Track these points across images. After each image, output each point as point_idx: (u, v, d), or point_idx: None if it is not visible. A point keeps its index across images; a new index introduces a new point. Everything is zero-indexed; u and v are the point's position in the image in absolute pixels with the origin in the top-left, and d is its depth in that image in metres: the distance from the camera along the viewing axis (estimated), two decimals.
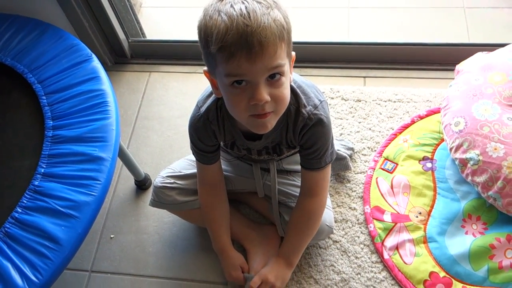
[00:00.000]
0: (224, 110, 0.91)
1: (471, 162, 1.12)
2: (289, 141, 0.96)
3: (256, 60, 0.72)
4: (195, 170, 1.09)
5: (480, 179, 1.10)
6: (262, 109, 0.78)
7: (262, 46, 0.72)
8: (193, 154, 1.04)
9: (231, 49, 0.72)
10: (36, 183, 0.97)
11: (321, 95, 0.94)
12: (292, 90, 0.90)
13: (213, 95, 0.92)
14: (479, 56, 1.29)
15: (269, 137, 0.95)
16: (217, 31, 0.72)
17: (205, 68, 0.84)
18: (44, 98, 1.10)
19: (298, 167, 1.12)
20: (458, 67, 1.31)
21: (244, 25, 0.71)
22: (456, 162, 1.16)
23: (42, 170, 0.99)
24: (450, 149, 1.18)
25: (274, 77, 0.77)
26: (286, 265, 1.05)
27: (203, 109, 0.94)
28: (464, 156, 1.13)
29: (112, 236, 1.27)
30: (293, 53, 0.83)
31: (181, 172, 1.12)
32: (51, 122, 1.06)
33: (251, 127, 0.85)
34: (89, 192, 0.95)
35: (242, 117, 0.82)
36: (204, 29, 0.75)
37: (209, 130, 0.95)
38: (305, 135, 0.92)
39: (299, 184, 1.11)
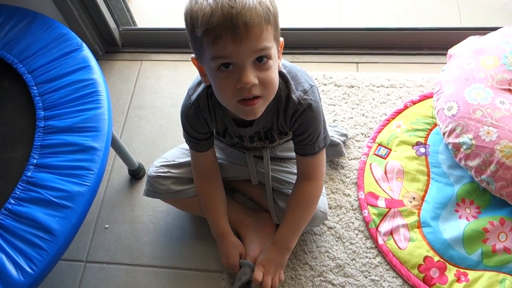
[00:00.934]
0: (214, 97, 0.91)
1: (464, 147, 1.12)
2: (280, 127, 0.96)
3: (241, 42, 0.73)
4: (188, 159, 1.09)
5: (473, 163, 1.11)
6: (249, 91, 0.78)
7: (248, 27, 0.72)
8: (187, 142, 1.04)
9: (217, 31, 0.72)
10: (29, 174, 0.96)
11: (312, 80, 0.94)
12: (282, 76, 0.90)
13: (203, 83, 0.91)
14: (471, 40, 1.29)
15: (259, 123, 0.95)
16: (202, 14, 0.73)
17: (193, 55, 0.84)
18: (35, 88, 1.09)
19: (292, 154, 1.13)
20: (450, 51, 1.31)
21: (229, 6, 0.71)
22: (449, 147, 1.17)
23: (35, 161, 0.98)
24: (443, 134, 1.18)
25: (261, 60, 0.77)
26: (283, 249, 1.05)
27: (194, 97, 0.94)
28: (457, 140, 1.14)
29: (106, 226, 1.27)
30: (281, 39, 0.83)
31: (174, 161, 1.11)
32: (43, 113, 1.05)
33: (239, 114, 0.85)
34: (83, 182, 0.94)
35: (230, 102, 0.82)
36: (190, 14, 0.76)
37: (201, 117, 0.95)
38: (297, 121, 0.92)
39: (293, 170, 1.12)
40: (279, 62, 0.84)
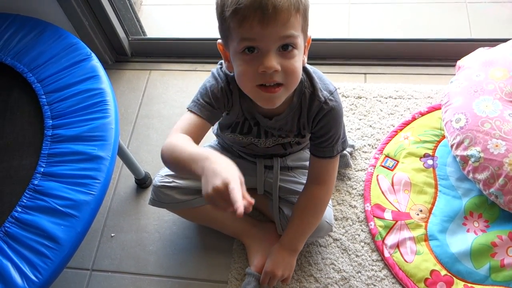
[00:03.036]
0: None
1: (472, 159, 1.11)
2: (301, 127, 0.96)
3: (268, 24, 0.73)
4: None
5: (481, 176, 1.10)
6: (271, 77, 0.78)
7: (276, 10, 0.73)
8: (191, 105, 0.92)
9: (245, 12, 0.73)
10: (36, 182, 0.97)
11: (334, 84, 0.94)
12: (308, 74, 0.90)
13: (226, 69, 0.90)
14: (480, 52, 1.28)
15: (280, 120, 0.94)
16: None
17: (220, 40, 0.84)
18: (44, 97, 1.10)
19: (302, 163, 1.12)
20: (459, 63, 1.30)
21: None
22: (457, 159, 1.16)
23: (42, 169, 0.99)
24: (451, 146, 1.17)
25: (286, 48, 0.77)
26: (290, 252, 1.05)
27: (223, 70, 0.91)
28: (465, 153, 1.13)
29: (112, 234, 1.28)
30: (310, 35, 0.83)
31: None
32: (51, 121, 1.06)
33: (257, 100, 0.84)
34: (89, 191, 0.95)
35: (248, 86, 0.81)
36: None
37: (226, 92, 0.91)
38: (320, 121, 0.92)
39: (300, 180, 1.11)
40: (305, 58, 0.84)
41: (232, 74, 0.89)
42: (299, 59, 0.80)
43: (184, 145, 0.82)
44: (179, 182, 1.10)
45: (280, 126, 0.96)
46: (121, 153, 1.21)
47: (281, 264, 1.04)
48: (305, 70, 0.90)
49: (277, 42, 0.76)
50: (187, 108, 0.93)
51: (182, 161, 0.79)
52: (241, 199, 0.67)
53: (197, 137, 0.89)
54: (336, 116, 0.92)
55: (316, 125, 0.93)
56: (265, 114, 0.95)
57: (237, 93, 0.93)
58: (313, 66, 0.95)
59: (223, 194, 0.67)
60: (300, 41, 0.79)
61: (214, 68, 0.95)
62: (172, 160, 0.83)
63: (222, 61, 0.93)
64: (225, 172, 0.70)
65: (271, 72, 0.77)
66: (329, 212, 1.08)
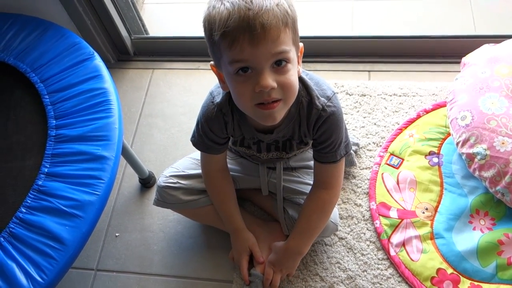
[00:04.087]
0: (232, 103, 0.90)
1: (478, 157, 1.10)
2: (302, 135, 0.95)
3: (259, 44, 0.72)
4: (199, 171, 1.08)
5: (487, 174, 1.09)
6: (269, 95, 0.77)
7: (265, 29, 0.72)
8: (199, 146, 1.01)
9: (234, 34, 0.72)
10: (40, 182, 0.97)
11: (332, 88, 0.93)
12: (304, 82, 0.89)
13: (222, 89, 0.90)
14: (486, 48, 1.27)
15: (280, 131, 0.94)
16: (219, 17, 0.73)
17: (212, 62, 0.83)
18: (47, 97, 1.10)
19: (305, 163, 1.12)
20: (464, 59, 1.29)
21: (246, 8, 0.71)
22: (463, 157, 1.15)
23: (46, 170, 0.99)
24: (457, 144, 1.16)
25: (280, 64, 0.76)
26: (295, 255, 1.05)
27: (217, 99, 0.92)
28: (471, 150, 1.12)
29: (117, 234, 1.27)
30: (301, 44, 0.83)
31: (184, 172, 1.11)
32: (54, 121, 1.06)
33: (258, 119, 0.84)
34: (93, 192, 0.95)
35: (247, 106, 0.81)
36: (208, 19, 0.76)
37: (222, 121, 0.94)
38: (320, 128, 0.91)
39: (305, 180, 1.11)
40: (299, 68, 0.84)
41: (221, 100, 0.91)
42: (294, 72, 0.80)
43: (222, 201, 1.10)
44: (184, 183, 1.09)
45: (284, 135, 0.96)
46: (125, 153, 1.20)
47: (284, 264, 1.05)
48: (300, 79, 0.88)
49: (269, 59, 0.75)
50: (201, 151, 1.03)
51: (219, 212, 1.11)
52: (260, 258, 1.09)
53: (223, 162, 1.08)
54: (336, 121, 0.91)
55: (317, 132, 0.93)
56: (265, 130, 0.94)
57: (232, 122, 0.94)
58: (310, 72, 0.95)
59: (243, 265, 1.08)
60: (292, 55, 0.78)
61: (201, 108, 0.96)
62: (214, 203, 1.11)
63: (212, 90, 0.94)
64: (236, 253, 1.10)
65: (269, 90, 0.76)
66: (334, 212, 1.07)
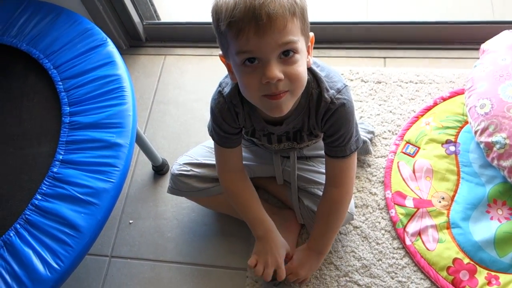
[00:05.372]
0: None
1: (497, 146, 1.08)
2: (311, 127, 0.94)
3: (264, 34, 0.71)
4: (213, 160, 1.07)
5: (506, 163, 1.07)
6: (276, 87, 0.76)
7: (270, 19, 0.70)
8: (215, 138, 0.99)
9: (239, 24, 0.71)
10: (55, 170, 0.97)
11: (344, 80, 0.91)
12: (314, 74, 0.88)
13: (231, 80, 0.89)
14: (506, 35, 1.24)
15: (290, 123, 0.92)
16: (226, 7, 0.72)
17: (221, 52, 0.82)
18: (61, 83, 1.09)
19: (319, 152, 1.10)
20: (483, 46, 1.27)
21: None
22: (481, 146, 1.13)
23: (61, 157, 0.98)
24: (475, 132, 1.14)
25: (287, 54, 0.75)
26: (317, 255, 1.05)
27: (226, 90, 0.91)
28: (490, 139, 1.10)
29: (131, 221, 1.28)
30: (312, 34, 0.81)
31: (198, 160, 1.10)
32: (68, 108, 1.05)
33: (265, 110, 0.83)
34: (108, 179, 0.94)
35: (255, 97, 0.80)
36: (215, 9, 0.75)
37: (233, 112, 0.93)
38: (328, 121, 0.90)
39: (319, 170, 1.10)
40: (309, 58, 0.82)
41: (230, 91, 0.90)
42: (302, 63, 0.78)
43: (248, 204, 1.04)
44: (197, 171, 1.09)
45: (294, 126, 0.95)
46: (139, 140, 1.20)
47: (307, 265, 1.04)
48: (310, 70, 0.87)
49: (276, 50, 0.73)
50: (215, 143, 1.00)
51: (244, 216, 1.05)
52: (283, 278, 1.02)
53: (240, 158, 1.04)
54: (345, 114, 0.89)
55: (325, 124, 0.91)
56: (275, 122, 0.93)
57: (243, 113, 0.92)
58: (322, 62, 0.92)
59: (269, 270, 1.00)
60: (300, 45, 0.76)
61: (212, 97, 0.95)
62: (237, 209, 1.06)
63: (221, 81, 0.93)
64: (272, 260, 1.01)
65: (275, 81, 0.75)
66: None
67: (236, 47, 0.74)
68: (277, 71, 0.74)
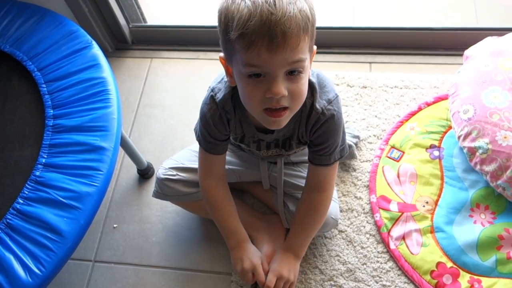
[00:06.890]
0: (235, 99, 0.88)
1: (480, 151, 1.09)
2: (300, 136, 0.94)
3: (277, 51, 0.69)
4: None
5: (489, 168, 1.08)
6: (277, 102, 0.76)
7: (286, 37, 0.69)
8: (202, 143, 0.98)
9: (252, 37, 0.69)
10: (37, 173, 0.95)
11: (336, 90, 0.91)
12: (310, 84, 0.87)
13: (229, 84, 0.88)
14: (489, 41, 1.26)
15: (281, 131, 0.92)
16: (239, 16, 0.69)
17: (221, 54, 0.81)
18: (44, 86, 1.08)
19: (306, 158, 1.10)
20: (466, 52, 1.28)
21: (269, 12, 0.68)
22: (465, 151, 1.14)
23: (43, 160, 0.97)
24: (458, 137, 1.16)
25: (293, 72, 0.74)
26: (293, 256, 1.04)
27: (219, 96, 0.90)
28: (472, 144, 1.11)
29: (115, 225, 1.26)
30: (315, 47, 0.80)
31: (184, 164, 1.09)
32: (52, 111, 1.04)
33: (263, 122, 0.83)
34: (91, 183, 0.93)
35: (256, 110, 0.79)
36: (225, 13, 0.72)
37: (224, 119, 0.92)
38: (317, 131, 0.90)
39: (305, 175, 1.10)
40: (309, 71, 0.82)
41: (223, 97, 0.88)
42: (306, 81, 0.78)
43: (226, 215, 1.04)
44: (183, 175, 1.08)
45: (284, 134, 0.95)
46: (123, 144, 1.19)
47: (287, 265, 1.03)
48: (308, 81, 0.87)
49: (285, 67, 0.73)
50: (201, 148, 0.99)
51: (222, 225, 1.05)
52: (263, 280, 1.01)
53: (223, 167, 1.03)
54: (333, 125, 0.89)
55: (314, 134, 0.91)
56: (266, 130, 0.93)
57: (234, 119, 0.92)
58: (317, 70, 0.92)
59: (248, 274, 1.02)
60: (307, 63, 0.76)
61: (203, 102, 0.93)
62: (214, 217, 1.05)
63: (213, 86, 0.91)
64: (243, 268, 1.01)
65: (279, 97, 0.75)
66: (334, 207, 1.07)
67: (245, 59, 0.72)
68: (282, 88, 0.74)
